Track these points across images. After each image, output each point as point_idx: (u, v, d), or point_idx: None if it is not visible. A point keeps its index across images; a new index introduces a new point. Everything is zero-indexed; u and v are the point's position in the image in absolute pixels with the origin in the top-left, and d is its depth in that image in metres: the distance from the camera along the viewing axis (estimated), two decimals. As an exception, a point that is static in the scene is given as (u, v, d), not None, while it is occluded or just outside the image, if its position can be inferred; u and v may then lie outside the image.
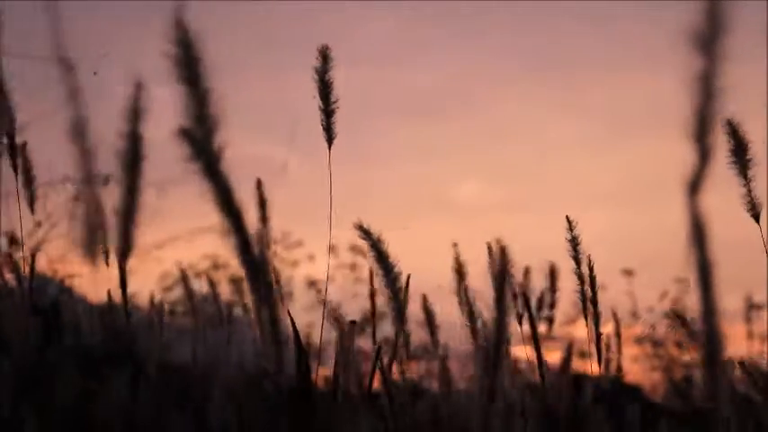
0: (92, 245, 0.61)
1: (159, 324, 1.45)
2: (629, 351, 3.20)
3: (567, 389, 1.19)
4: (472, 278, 1.37)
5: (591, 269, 1.23)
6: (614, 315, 1.57)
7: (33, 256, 1.30)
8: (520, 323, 1.27)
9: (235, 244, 0.61)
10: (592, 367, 1.28)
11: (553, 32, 4.10)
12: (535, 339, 1.28)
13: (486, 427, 0.64)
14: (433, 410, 1.35)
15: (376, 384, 1.25)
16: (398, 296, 1.02)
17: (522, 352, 1.31)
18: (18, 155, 1.22)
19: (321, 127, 1.15)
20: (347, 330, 1.15)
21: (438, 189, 4.15)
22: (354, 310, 1.96)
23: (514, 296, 1.26)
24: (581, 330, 1.27)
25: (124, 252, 0.65)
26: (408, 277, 1.24)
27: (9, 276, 1.29)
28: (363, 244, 1.02)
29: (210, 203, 0.61)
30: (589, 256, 1.22)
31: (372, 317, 1.49)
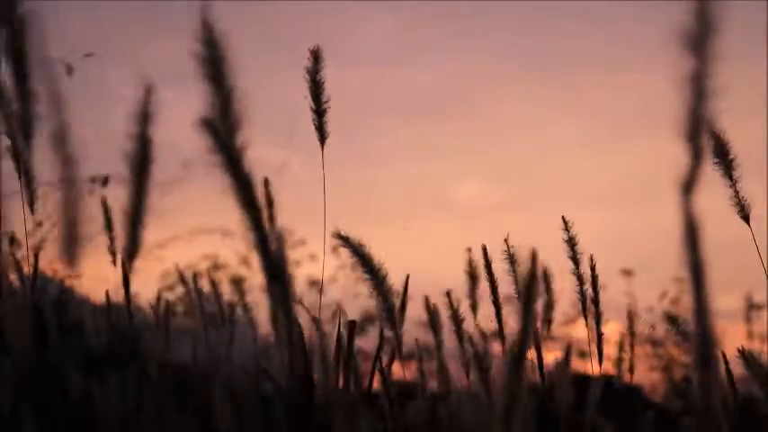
0: (70, 248, 0.62)
1: (164, 324, 1.45)
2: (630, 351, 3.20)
3: (566, 389, 1.19)
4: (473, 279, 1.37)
5: (593, 269, 1.24)
6: (629, 313, 1.57)
7: (36, 256, 1.30)
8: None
9: (254, 240, 0.62)
10: (593, 367, 1.28)
11: (553, 32, 4.10)
12: (536, 339, 1.29)
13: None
14: (432, 410, 1.35)
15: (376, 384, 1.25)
16: (388, 298, 1.02)
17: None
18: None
19: (313, 126, 1.15)
20: (347, 330, 1.15)
21: (438, 189, 4.15)
22: (355, 310, 1.96)
23: (518, 297, 1.26)
24: (582, 331, 1.27)
25: (131, 253, 0.66)
26: (407, 277, 1.24)
27: (12, 276, 1.29)
28: (345, 251, 1.02)
29: (230, 198, 0.61)
30: (591, 255, 1.22)
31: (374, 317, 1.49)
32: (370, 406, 1.21)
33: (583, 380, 1.31)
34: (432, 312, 1.38)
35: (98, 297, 1.36)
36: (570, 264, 1.23)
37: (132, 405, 1.11)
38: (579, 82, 4.13)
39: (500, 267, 1.24)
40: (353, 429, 1.09)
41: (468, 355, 1.29)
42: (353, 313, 1.50)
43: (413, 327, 1.54)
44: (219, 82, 0.62)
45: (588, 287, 1.24)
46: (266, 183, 1.31)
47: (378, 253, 1.03)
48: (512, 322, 1.32)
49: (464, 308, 1.37)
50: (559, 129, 4.23)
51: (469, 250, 1.29)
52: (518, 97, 4.45)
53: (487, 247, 1.26)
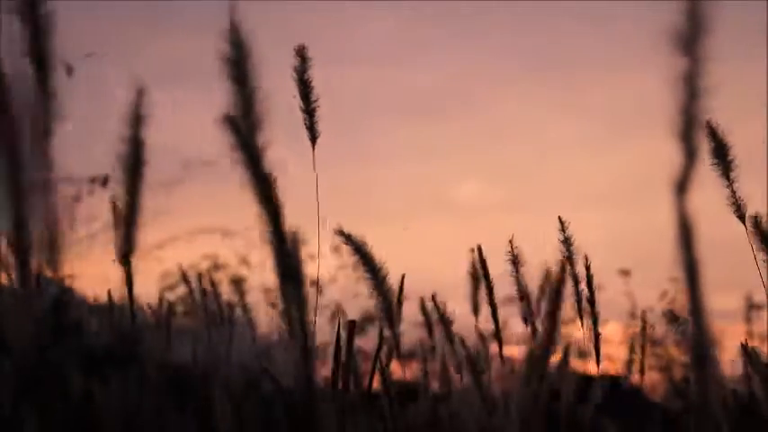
0: (52, 251, 0.62)
1: (166, 325, 1.45)
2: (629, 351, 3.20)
3: (566, 389, 1.20)
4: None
5: (588, 268, 1.24)
6: (643, 314, 1.56)
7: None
8: (526, 323, 1.27)
9: (270, 239, 0.63)
10: (594, 367, 1.28)
11: (553, 32, 4.10)
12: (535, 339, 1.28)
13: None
14: (433, 411, 1.36)
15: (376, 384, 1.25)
16: (388, 297, 1.02)
17: (518, 352, 1.31)
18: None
19: (304, 126, 1.15)
20: (347, 330, 1.15)
21: (438, 189, 4.15)
22: (356, 309, 1.96)
23: (521, 298, 1.26)
24: (582, 331, 1.27)
25: (126, 253, 0.66)
26: (403, 277, 1.24)
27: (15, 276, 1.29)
28: (347, 249, 1.02)
29: (250, 196, 0.62)
30: (586, 255, 1.22)
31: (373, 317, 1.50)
32: (370, 406, 1.21)
33: (588, 380, 1.31)
34: (426, 313, 1.38)
35: (99, 297, 1.36)
36: (575, 263, 1.24)
37: (133, 405, 1.11)
38: (579, 82, 4.13)
39: (500, 267, 1.25)
40: (355, 429, 1.09)
41: (459, 357, 1.29)
42: (353, 313, 1.50)
43: (413, 327, 1.54)
44: (243, 82, 0.63)
45: (584, 287, 1.24)
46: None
47: (378, 253, 1.03)
48: (511, 323, 1.32)
49: (464, 309, 1.37)
50: (559, 129, 4.23)
51: (472, 251, 1.30)
52: (518, 97, 4.45)
53: (482, 248, 1.26)
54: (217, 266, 3.68)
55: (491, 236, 1.27)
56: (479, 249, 1.27)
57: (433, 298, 1.32)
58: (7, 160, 0.65)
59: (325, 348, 1.27)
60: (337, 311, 1.90)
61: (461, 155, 4.21)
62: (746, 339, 1.11)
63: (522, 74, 4.41)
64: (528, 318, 1.26)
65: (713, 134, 1.12)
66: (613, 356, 3.34)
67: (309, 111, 1.15)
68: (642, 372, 1.52)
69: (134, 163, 0.66)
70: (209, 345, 1.42)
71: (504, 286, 1.27)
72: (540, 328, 1.25)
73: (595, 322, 1.24)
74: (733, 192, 1.13)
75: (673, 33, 0.53)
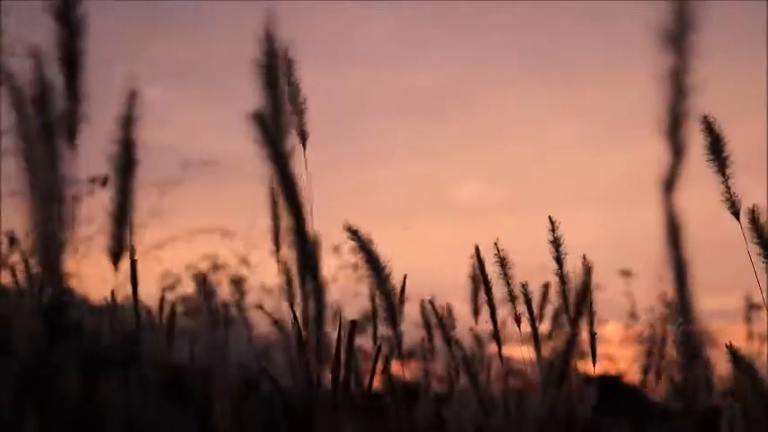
0: (48, 252, 0.63)
1: (167, 325, 1.45)
2: (629, 351, 3.20)
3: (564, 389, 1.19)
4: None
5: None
6: (662, 316, 1.55)
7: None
8: (518, 323, 1.27)
9: (294, 238, 0.64)
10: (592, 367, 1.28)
11: (553, 33, 4.10)
12: (536, 340, 1.29)
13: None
14: (436, 412, 1.36)
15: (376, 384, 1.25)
16: (390, 297, 1.02)
17: (518, 352, 1.31)
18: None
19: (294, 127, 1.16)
20: (347, 330, 1.15)
21: (438, 189, 4.15)
22: (356, 309, 1.96)
23: (510, 300, 1.26)
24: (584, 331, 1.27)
25: (116, 253, 0.67)
26: (405, 278, 1.24)
27: (19, 276, 1.29)
28: (353, 245, 1.02)
29: (274, 193, 0.63)
30: (583, 255, 1.22)
31: (373, 317, 1.50)
32: (371, 406, 1.21)
33: (587, 380, 1.31)
34: (426, 316, 1.38)
35: (99, 297, 1.36)
36: (570, 263, 1.23)
37: (133, 406, 1.11)
38: (579, 82, 4.13)
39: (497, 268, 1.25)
40: (356, 429, 1.09)
41: (457, 359, 1.29)
42: (353, 313, 1.50)
43: (413, 327, 1.54)
44: (274, 87, 0.65)
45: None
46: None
47: (382, 252, 1.03)
48: (511, 323, 1.32)
49: (465, 309, 1.37)
50: (559, 129, 4.23)
51: (473, 257, 1.29)
52: (518, 97, 4.45)
53: (480, 248, 1.26)
54: (216, 266, 3.68)
55: (491, 236, 1.27)
56: (477, 250, 1.27)
57: (431, 302, 1.32)
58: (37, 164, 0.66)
59: (325, 348, 1.27)
60: (338, 311, 1.90)
61: (461, 155, 4.21)
62: (746, 341, 1.10)
63: (522, 74, 4.41)
64: (517, 319, 1.26)
65: (709, 129, 1.11)
66: (614, 356, 3.33)
67: (298, 112, 1.15)
68: (659, 376, 1.51)
69: (126, 163, 0.66)
70: (209, 345, 1.42)
71: (503, 286, 1.27)
72: (533, 328, 1.25)
73: (591, 322, 1.24)
74: (728, 188, 1.13)
75: (659, 31, 0.53)
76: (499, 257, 1.23)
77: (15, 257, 1.31)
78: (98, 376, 1.05)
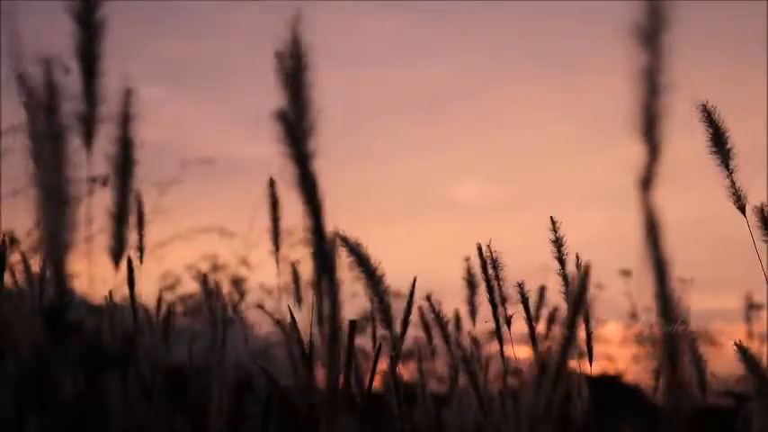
0: (55, 251, 0.63)
1: (165, 325, 1.45)
2: (629, 351, 3.20)
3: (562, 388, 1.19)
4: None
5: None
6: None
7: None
8: (509, 324, 1.27)
9: (311, 236, 0.64)
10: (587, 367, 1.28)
11: (553, 33, 4.10)
12: (533, 339, 1.29)
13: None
14: (437, 413, 1.35)
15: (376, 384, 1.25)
16: (384, 298, 1.03)
17: (517, 352, 1.31)
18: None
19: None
20: (347, 330, 1.15)
21: (438, 188, 4.15)
22: (355, 310, 1.96)
23: (501, 301, 1.26)
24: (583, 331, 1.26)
25: (117, 253, 0.67)
26: (414, 280, 1.24)
27: (19, 277, 1.29)
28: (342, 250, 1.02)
29: (296, 194, 0.64)
30: (577, 254, 1.21)
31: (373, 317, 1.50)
32: (371, 406, 1.22)
33: (586, 380, 1.31)
34: (423, 314, 1.38)
35: (99, 297, 1.36)
36: (570, 263, 1.23)
37: (132, 405, 1.11)
38: (579, 82, 4.13)
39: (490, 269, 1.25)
40: (357, 429, 1.09)
41: (456, 358, 1.29)
42: (353, 313, 1.50)
43: (412, 327, 1.54)
44: (298, 92, 0.66)
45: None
46: (272, 183, 1.31)
47: (377, 252, 1.03)
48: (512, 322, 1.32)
49: (465, 310, 1.37)
50: (559, 129, 4.23)
51: (467, 259, 1.29)
52: (519, 97, 4.45)
53: (481, 247, 1.26)
54: (216, 266, 3.68)
55: (491, 235, 1.27)
56: (478, 249, 1.27)
57: (428, 298, 1.32)
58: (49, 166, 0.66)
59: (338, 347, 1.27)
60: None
61: (461, 154, 4.21)
62: (746, 341, 1.09)
63: (522, 74, 4.41)
64: (507, 321, 1.26)
65: (711, 121, 1.07)
66: (614, 356, 3.32)
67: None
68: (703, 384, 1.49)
69: (124, 162, 0.67)
70: (208, 344, 1.42)
71: (496, 288, 1.27)
72: (530, 328, 1.25)
73: (588, 321, 1.24)
74: (732, 182, 1.09)
75: (632, 29, 0.53)
76: (492, 259, 1.23)
77: (15, 257, 1.31)
78: (95, 376, 1.05)
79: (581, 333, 1.24)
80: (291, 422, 1.18)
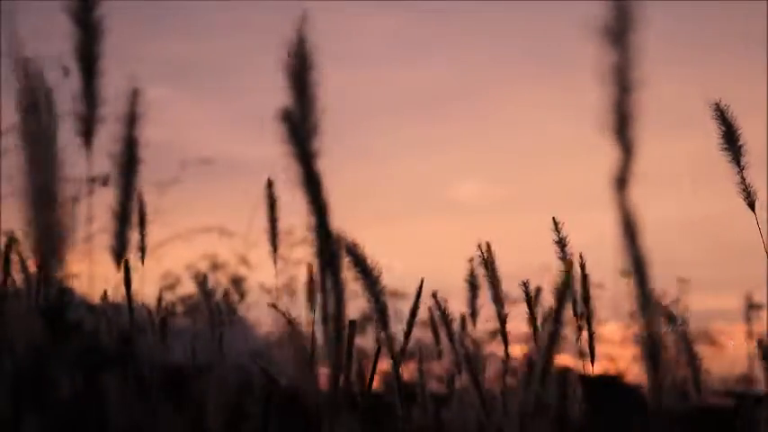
0: (50, 252, 0.63)
1: (162, 324, 1.45)
2: (629, 351, 3.20)
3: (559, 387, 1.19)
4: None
5: (583, 268, 1.23)
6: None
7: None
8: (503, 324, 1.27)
9: (317, 235, 0.64)
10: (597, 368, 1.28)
11: (554, 32, 4.10)
12: (535, 339, 1.29)
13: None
14: (436, 413, 1.35)
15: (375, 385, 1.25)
16: (380, 299, 1.02)
17: (517, 351, 1.31)
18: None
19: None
20: (347, 330, 1.15)
21: (438, 188, 4.15)
22: (355, 310, 1.96)
23: (495, 301, 1.26)
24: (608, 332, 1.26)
25: (119, 253, 0.67)
26: (422, 281, 1.24)
27: (18, 277, 1.29)
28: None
29: (300, 194, 0.64)
30: (581, 254, 1.21)
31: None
32: (371, 406, 1.21)
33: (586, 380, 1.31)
34: (432, 315, 1.37)
35: (99, 297, 1.36)
36: (573, 263, 1.23)
37: (131, 405, 1.11)
38: (579, 82, 4.13)
39: (502, 266, 1.25)
40: (358, 429, 1.09)
41: (459, 357, 1.29)
42: (353, 313, 1.50)
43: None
44: (303, 91, 0.66)
45: (579, 287, 1.23)
46: (270, 184, 1.31)
47: (377, 252, 1.03)
48: (514, 322, 1.32)
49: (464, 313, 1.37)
50: (560, 129, 4.23)
51: (471, 261, 1.29)
52: (518, 97, 4.45)
53: (484, 246, 1.26)
54: (216, 266, 3.68)
55: (491, 235, 1.27)
56: (480, 247, 1.26)
57: (434, 295, 1.31)
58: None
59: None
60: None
61: (462, 154, 4.21)
62: (745, 341, 1.09)
63: (522, 74, 4.41)
64: (503, 320, 1.26)
65: (722, 118, 1.07)
66: (614, 356, 3.32)
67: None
68: (699, 390, 1.48)
69: (128, 162, 0.66)
70: (207, 344, 1.42)
71: (505, 286, 1.27)
72: (533, 327, 1.25)
73: (589, 321, 1.23)
74: (743, 178, 1.08)
75: (602, 27, 0.53)
76: (488, 259, 1.23)
77: (14, 257, 1.31)
78: (94, 375, 1.05)
79: (583, 334, 1.24)
80: (291, 422, 1.18)
